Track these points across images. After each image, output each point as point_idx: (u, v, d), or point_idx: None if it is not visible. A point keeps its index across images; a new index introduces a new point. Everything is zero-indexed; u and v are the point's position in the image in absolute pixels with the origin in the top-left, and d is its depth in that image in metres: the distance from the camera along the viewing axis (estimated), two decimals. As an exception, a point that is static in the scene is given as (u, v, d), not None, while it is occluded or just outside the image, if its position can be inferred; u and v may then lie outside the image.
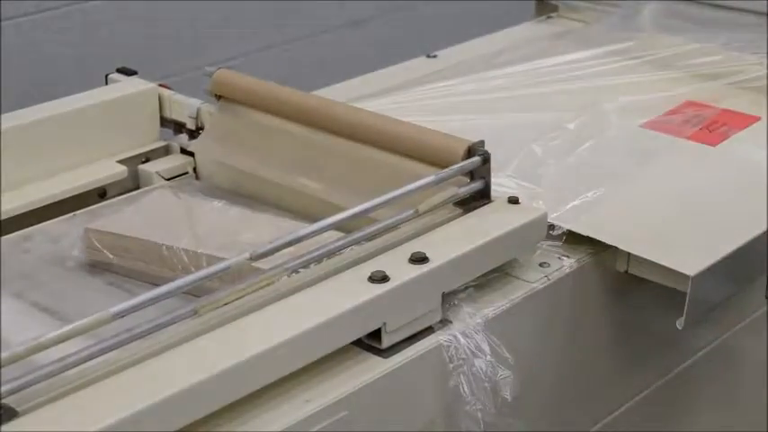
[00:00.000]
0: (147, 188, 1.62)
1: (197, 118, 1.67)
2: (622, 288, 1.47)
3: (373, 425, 1.19)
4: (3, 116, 1.62)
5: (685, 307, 1.34)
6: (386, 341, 1.22)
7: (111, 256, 1.41)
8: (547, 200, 1.45)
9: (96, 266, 1.42)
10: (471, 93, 1.79)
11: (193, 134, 1.68)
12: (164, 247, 1.37)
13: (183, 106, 1.69)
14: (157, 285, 1.18)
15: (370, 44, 3.18)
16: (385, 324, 1.21)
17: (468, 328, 1.27)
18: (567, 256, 1.41)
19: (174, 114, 1.70)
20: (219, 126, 1.65)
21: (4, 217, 1.52)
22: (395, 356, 1.22)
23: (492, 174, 1.40)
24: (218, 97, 1.65)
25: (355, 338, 1.21)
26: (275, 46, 3.11)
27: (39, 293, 1.36)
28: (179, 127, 1.70)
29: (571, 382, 1.46)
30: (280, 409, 1.13)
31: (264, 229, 1.40)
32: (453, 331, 1.26)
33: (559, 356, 1.43)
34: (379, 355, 1.22)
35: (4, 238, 1.48)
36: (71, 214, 1.53)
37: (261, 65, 2.92)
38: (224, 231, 1.41)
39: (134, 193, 1.61)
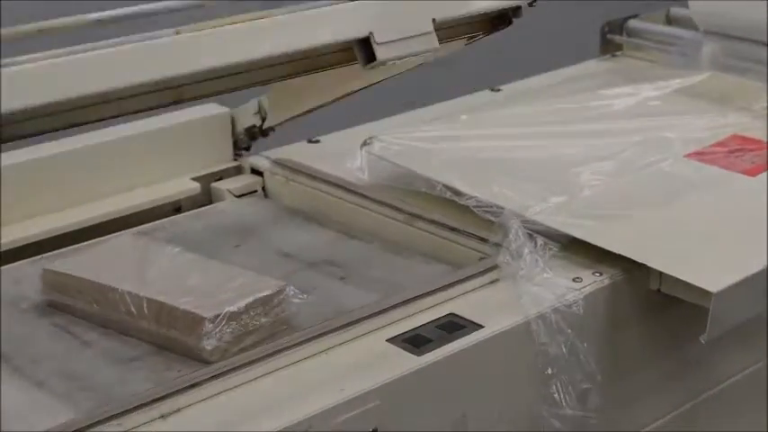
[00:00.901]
0: (111, 235, 1.65)
1: (260, 111, 1.81)
2: (655, 306, 1.55)
3: (405, 416, 1.29)
4: (88, 134, 1.77)
5: (708, 322, 1.42)
6: (379, 54, 1.32)
7: (63, 297, 1.46)
8: (586, 220, 1.55)
9: (53, 306, 1.47)
10: (526, 124, 1.88)
11: (264, 131, 1.82)
12: (109, 289, 1.41)
13: (247, 110, 1.84)
14: (104, 327, 1.33)
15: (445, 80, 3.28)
16: (372, 34, 1.30)
17: (499, 333, 1.37)
18: (600, 273, 1.50)
19: (243, 123, 1.85)
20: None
21: (83, 225, 1.67)
22: (428, 355, 1.32)
23: (537, 195, 1.54)
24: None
25: (343, 39, 1.33)
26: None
27: None
28: (251, 134, 1.84)
29: (600, 396, 1.53)
30: (316, 394, 1.24)
31: (212, 275, 1.45)
32: (483, 333, 1.36)
33: (589, 371, 1.51)
34: (414, 353, 1.32)
35: None
36: (39, 257, 1.60)
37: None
38: (172, 276, 1.44)
39: (101, 238, 1.64)
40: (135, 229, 1.68)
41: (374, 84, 1.69)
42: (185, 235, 1.67)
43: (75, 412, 1.23)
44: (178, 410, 1.21)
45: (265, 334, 1.37)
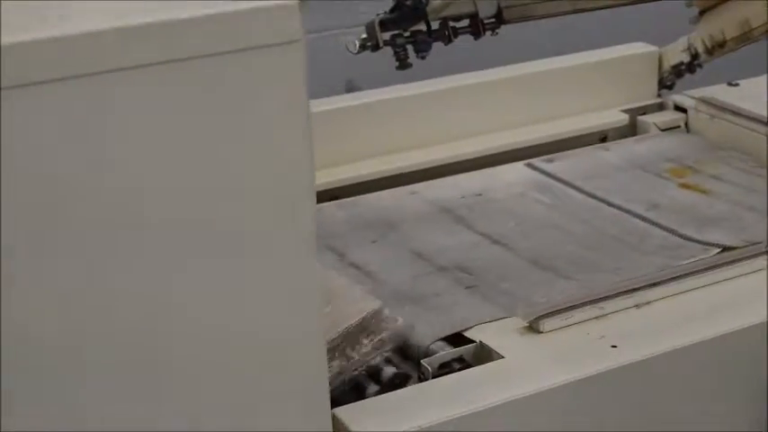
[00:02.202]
0: None
1: (689, 48, 1.86)
2: None
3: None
4: (522, 64, 1.88)
5: None
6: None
7: None
8: None
9: None
10: None
11: (692, 68, 1.87)
12: None
13: (676, 47, 1.89)
14: None
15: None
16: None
17: None
18: None
19: (671, 60, 1.90)
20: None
21: (509, 148, 1.78)
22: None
23: None
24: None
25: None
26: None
27: None
28: (677, 71, 1.90)
29: None
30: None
31: (346, 306, 1.21)
32: None
33: None
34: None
35: None
36: None
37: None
38: None
39: None
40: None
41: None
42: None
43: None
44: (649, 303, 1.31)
45: (367, 357, 1.18)
